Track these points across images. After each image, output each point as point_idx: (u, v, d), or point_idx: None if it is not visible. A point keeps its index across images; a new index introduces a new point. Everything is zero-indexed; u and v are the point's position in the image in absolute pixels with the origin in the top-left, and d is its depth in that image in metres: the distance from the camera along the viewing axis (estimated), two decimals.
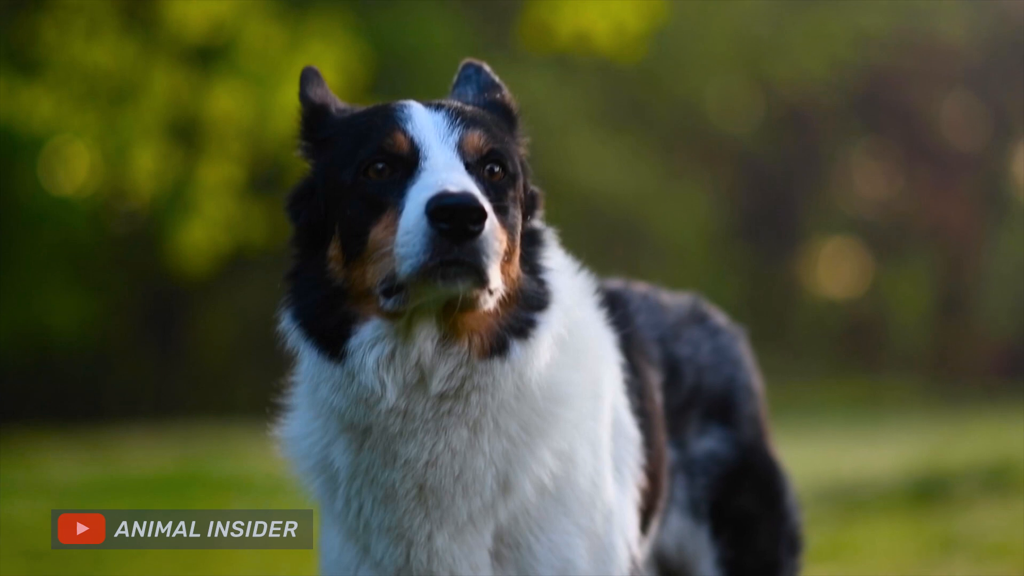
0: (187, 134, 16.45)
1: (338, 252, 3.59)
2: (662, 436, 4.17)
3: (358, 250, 3.54)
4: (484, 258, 3.41)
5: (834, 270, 29.82)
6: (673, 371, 4.39)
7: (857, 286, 29.70)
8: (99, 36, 15.74)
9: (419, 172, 3.53)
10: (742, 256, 28.38)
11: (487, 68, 4.01)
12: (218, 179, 16.49)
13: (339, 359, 3.57)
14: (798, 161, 29.11)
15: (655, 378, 4.26)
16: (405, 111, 3.65)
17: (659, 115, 28.28)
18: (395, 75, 20.82)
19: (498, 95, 3.90)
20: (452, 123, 3.62)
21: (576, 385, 3.76)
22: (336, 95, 3.89)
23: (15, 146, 18.54)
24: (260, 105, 15.69)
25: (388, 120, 3.63)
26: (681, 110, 28.36)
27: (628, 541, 3.88)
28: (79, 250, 23.06)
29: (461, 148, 3.59)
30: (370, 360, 3.54)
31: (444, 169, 3.51)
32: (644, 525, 4.03)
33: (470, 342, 3.56)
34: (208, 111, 16.06)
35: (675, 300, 4.61)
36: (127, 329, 24.78)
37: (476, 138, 3.62)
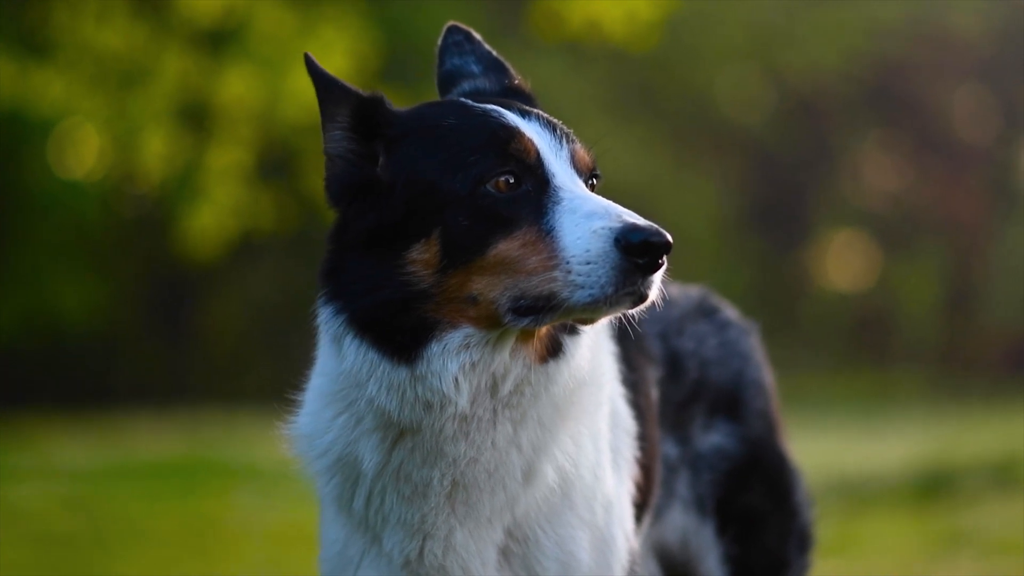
0: (197, 118, 16.41)
1: (433, 257, 3.45)
2: (655, 430, 4.12)
3: (467, 260, 3.43)
4: (655, 287, 3.40)
5: (843, 262, 29.76)
6: (674, 365, 4.33)
7: (866, 279, 29.64)
8: (110, 19, 15.69)
9: (555, 190, 3.45)
10: (751, 247, 28.34)
11: (477, 36, 3.91)
12: (227, 164, 16.45)
13: (408, 362, 3.47)
14: (809, 152, 29.05)
15: (651, 373, 4.20)
16: (507, 117, 3.55)
17: (670, 104, 28.24)
18: (406, 61, 20.80)
19: (516, 83, 3.84)
20: (554, 135, 3.55)
21: (582, 370, 3.70)
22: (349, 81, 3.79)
23: (25, 129, 18.51)
24: (271, 90, 15.64)
25: (499, 126, 3.52)
26: (692, 99, 28.31)
27: (626, 533, 3.84)
28: (88, 234, 23.07)
29: (575, 164, 3.54)
30: (452, 366, 3.45)
31: (576, 185, 3.47)
32: (637, 519, 3.97)
33: (534, 347, 3.52)
34: (218, 95, 16.01)
35: (683, 294, 4.53)
36: (136, 314, 24.81)
37: (584, 154, 3.58)
